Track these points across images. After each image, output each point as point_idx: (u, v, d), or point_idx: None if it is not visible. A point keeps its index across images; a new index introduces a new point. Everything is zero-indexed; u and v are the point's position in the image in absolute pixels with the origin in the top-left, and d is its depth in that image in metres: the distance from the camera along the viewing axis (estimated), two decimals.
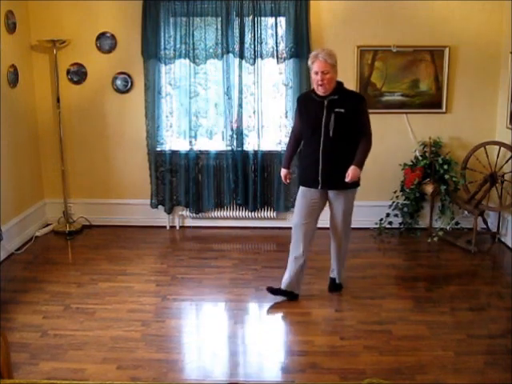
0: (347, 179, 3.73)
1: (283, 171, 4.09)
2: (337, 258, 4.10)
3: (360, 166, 3.78)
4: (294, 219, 3.99)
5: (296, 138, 4.02)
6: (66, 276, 4.45)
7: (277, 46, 5.14)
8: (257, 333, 3.66)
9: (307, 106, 3.84)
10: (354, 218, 5.43)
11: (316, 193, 3.87)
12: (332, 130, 3.69)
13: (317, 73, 3.65)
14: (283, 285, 4.00)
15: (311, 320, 3.76)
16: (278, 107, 5.34)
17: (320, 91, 3.70)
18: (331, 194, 3.88)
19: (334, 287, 4.17)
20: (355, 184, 3.83)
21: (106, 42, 5.30)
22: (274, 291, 4.02)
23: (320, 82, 3.64)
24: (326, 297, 4.08)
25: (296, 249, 3.94)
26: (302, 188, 3.93)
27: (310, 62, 3.72)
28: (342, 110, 3.69)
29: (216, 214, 5.59)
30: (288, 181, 4.11)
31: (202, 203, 5.53)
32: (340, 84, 3.78)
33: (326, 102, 3.71)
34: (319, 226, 3.99)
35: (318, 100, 3.74)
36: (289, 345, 3.46)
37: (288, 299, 3.99)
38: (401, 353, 3.32)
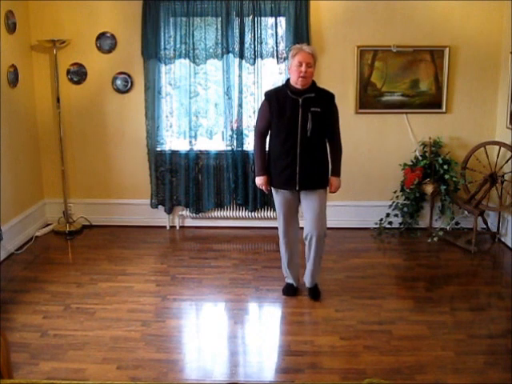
0: (332, 190, 3.92)
1: (262, 179, 3.86)
2: (314, 260, 3.91)
3: (340, 174, 3.92)
4: (282, 225, 3.91)
5: (263, 138, 3.85)
6: (66, 276, 4.45)
7: (277, 46, 5.15)
8: (257, 333, 3.66)
9: (280, 103, 3.68)
10: (354, 218, 5.53)
11: (291, 193, 3.84)
12: (310, 130, 3.63)
13: (301, 64, 3.55)
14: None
15: (311, 320, 3.76)
16: None
17: (299, 84, 3.60)
18: (304, 193, 3.82)
19: (314, 293, 4.01)
20: (327, 183, 3.88)
21: (105, 42, 5.30)
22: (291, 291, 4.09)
23: (303, 74, 3.56)
24: (326, 297, 4.06)
25: (290, 270, 4.06)
26: (277, 190, 3.85)
27: (292, 54, 3.63)
28: (318, 110, 3.63)
29: (216, 214, 5.59)
30: (269, 188, 3.90)
31: (202, 203, 5.54)
32: (314, 82, 3.74)
33: (300, 101, 3.62)
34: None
35: (292, 98, 3.64)
36: (289, 345, 3.45)
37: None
38: (401, 353, 3.32)
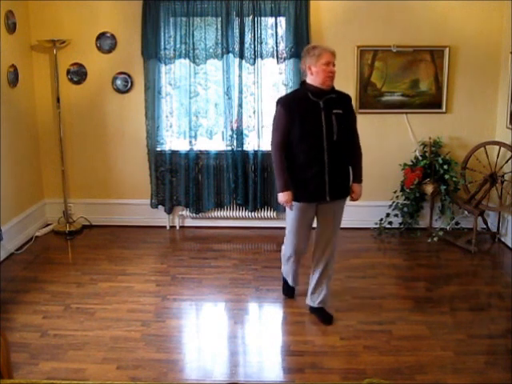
0: (355, 198, 3.64)
1: (288, 194, 3.44)
2: (325, 278, 3.66)
3: (362, 180, 3.66)
4: (296, 245, 3.61)
5: (284, 150, 3.45)
6: (66, 276, 4.45)
7: (277, 46, 5.14)
8: (257, 333, 3.66)
9: (300, 108, 3.39)
10: (354, 218, 5.52)
11: (314, 207, 3.53)
12: (336, 133, 3.38)
13: (328, 63, 3.33)
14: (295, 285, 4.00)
15: (311, 320, 3.75)
16: None
17: (327, 84, 3.37)
18: (325, 204, 3.52)
19: (326, 318, 3.68)
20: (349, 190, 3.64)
21: (105, 42, 5.30)
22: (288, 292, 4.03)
23: (331, 74, 3.36)
24: None
25: (295, 278, 3.94)
26: (300, 205, 3.49)
27: (315, 54, 3.36)
28: (340, 111, 3.42)
29: (216, 213, 5.59)
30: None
31: (202, 203, 5.53)
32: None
33: (321, 103, 3.38)
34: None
35: (313, 100, 3.39)
36: (289, 345, 3.45)
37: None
38: (401, 353, 3.32)
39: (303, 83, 3.52)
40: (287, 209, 3.57)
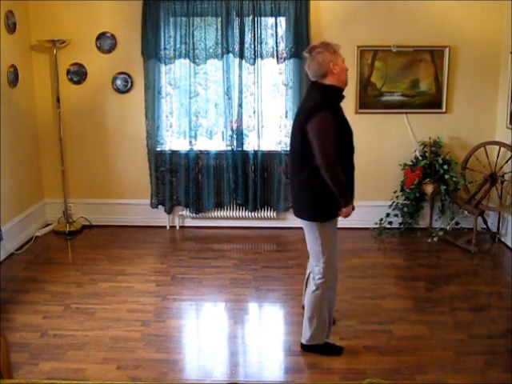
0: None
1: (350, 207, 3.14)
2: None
3: None
4: (337, 265, 3.23)
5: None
6: (66, 276, 4.45)
7: (277, 46, 5.14)
8: (257, 333, 3.67)
9: (340, 112, 3.09)
10: (354, 218, 5.49)
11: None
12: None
13: (344, 61, 3.07)
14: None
15: None
16: (278, 107, 5.34)
17: (346, 84, 3.12)
18: None
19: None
20: None
21: (105, 42, 5.30)
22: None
23: (347, 72, 3.12)
24: None
25: (333, 304, 3.35)
26: (333, 221, 3.20)
27: (336, 49, 3.03)
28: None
29: (216, 213, 5.58)
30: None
31: (202, 203, 5.53)
32: None
33: (341, 105, 3.15)
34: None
35: (339, 103, 3.14)
36: (289, 345, 3.45)
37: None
38: (401, 353, 3.32)
39: (315, 84, 3.08)
40: (324, 233, 3.15)
